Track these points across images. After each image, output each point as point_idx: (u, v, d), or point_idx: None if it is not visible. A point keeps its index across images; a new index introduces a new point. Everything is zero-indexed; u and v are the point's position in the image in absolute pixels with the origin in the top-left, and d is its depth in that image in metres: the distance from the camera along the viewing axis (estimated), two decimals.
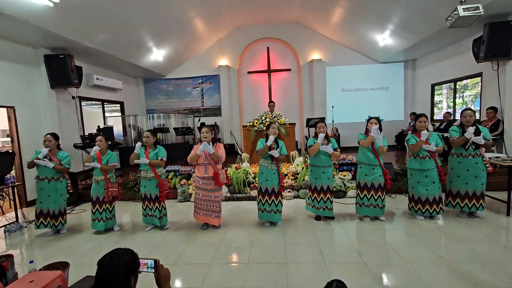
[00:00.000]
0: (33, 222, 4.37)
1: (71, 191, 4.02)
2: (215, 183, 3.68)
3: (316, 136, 3.87)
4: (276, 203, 3.75)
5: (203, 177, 3.72)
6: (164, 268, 1.43)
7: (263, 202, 3.77)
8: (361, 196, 3.81)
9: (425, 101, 8.67)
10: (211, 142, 3.72)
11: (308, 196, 4.00)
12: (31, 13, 4.21)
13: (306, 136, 8.55)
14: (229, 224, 3.96)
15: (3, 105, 5.03)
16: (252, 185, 5.43)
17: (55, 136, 3.84)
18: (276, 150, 3.65)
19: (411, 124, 8.40)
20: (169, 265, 2.79)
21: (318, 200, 3.86)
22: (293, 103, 9.85)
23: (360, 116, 9.28)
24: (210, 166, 3.68)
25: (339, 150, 3.84)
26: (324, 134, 3.72)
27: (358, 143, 3.80)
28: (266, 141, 3.72)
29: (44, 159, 3.67)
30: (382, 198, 3.75)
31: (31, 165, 3.72)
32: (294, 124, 6.59)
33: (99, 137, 3.89)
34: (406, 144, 3.85)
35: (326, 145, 3.74)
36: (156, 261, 1.38)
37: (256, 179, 5.59)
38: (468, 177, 3.66)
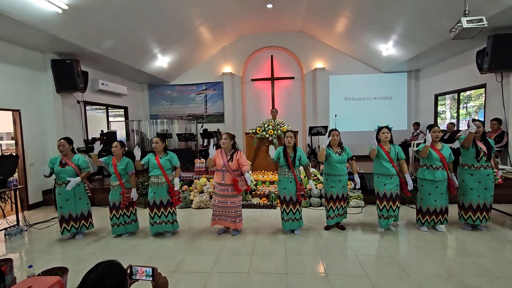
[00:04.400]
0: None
1: (89, 193, 3.99)
2: (233, 189, 3.66)
3: (330, 145, 3.84)
4: (294, 212, 3.72)
5: (220, 183, 3.72)
6: (162, 277, 1.41)
7: (287, 212, 3.73)
8: (386, 208, 3.67)
9: (429, 111, 8.65)
10: (231, 149, 3.74)
11: (328, 207, 3.84)
12: (40, 19, 4.30)
13: (308, 144, 8.53)
14: (230, 232, 3.92)
15: (9, 108, 5.09)
16: (254, 192, 5.40)
17: (69, 141, 3.84)
18: (293, 158, 3.66)
19: (414, 134, 8.38)
20: (168, 273, 2.77)
21: (334, 208, 3.81)
22: (296, 111, 9.86)
23: (363, 125, 9.32)
24: (227, 173, 3.67)
25: (354, 158, 3.81)
26: (329, 138, 3.71)
27: (370, 153, 3.74)
28: (284, 151, 3.72)
29: (70, 184, 3.62)
30: (399, 207, 3.71)
31: (48, 176, 3.76)
32: (296, 132, 6.54)
33: (115, 143, 3.89)
34: (416, 154, 3.81)
35: (340, 153, 3.75)
36: (154, 269, 1.36)
37: (258, 186, 5.59)
38: (480, 189, 3.61)
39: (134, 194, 3.80)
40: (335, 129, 3.85)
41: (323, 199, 3.99)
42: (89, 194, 3.99)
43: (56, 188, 3.82)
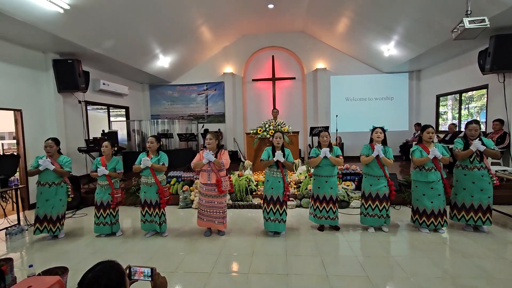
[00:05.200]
0: (32, 226, 4.40)
1: (72, 195, 3.96)
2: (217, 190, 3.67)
3: (319, 145, 3.86)
4: (281, 212, 3.69)
5: (206, 183, 3.72)
6: (161, 277, 1.41)
7: (268, 211, 3.72)
8: (366, 206, 3.77)
9: (430, 112, 8.62)
10: (215, 149, 3.73)
11: (311, 205, 3.94)
12: (42, 19, 4.31)
13: (309, 145, 8.52)
14: (230, 232, 3.92)
15: (10, 108, 5.10)
16: (254, 192, 5.40)
17: (56, 142, 3.84)
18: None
19: (416, 134, 8.35)
20: (168, 273, 2.77)
21: (321, 209, 3.80)
22: (297, 112, 9.86)
23: (364, 126, 9.25)
24: (213, 173, 3.68)
25: (341, 157, 3.79)
26: (329, 149, 3.70)
27: (360, 158, 3.76)
28: (272, 151, 3.71)
29: (46, 160, 3.63)
30: (387, 208, 3.71)
31: (32, 173, 3.69)
32: (297, 132, 6.58)
33: (105, 143, 3.88)
34: (410, 157, 3.79)
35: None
36: (153, 270, 1.36)
37: (259, 187, 5.58)
38: (474, 189, 3.59)
39: (101, 170, 3.75)
40: (325, 130, 3.87)
41: (310, 198, 4.00)
42: (71, 196, 3.94)
43: (38, 188, 3.76)
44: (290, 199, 5.05)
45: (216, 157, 3.67)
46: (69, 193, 3.91)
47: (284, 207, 3.71)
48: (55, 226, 3.81)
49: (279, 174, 3.69)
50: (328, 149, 3.70)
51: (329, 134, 3.83)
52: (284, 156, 3.66)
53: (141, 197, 3.84)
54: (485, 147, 3.47)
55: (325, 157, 3.70)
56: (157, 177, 3.75)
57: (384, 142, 3.74)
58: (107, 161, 3.86)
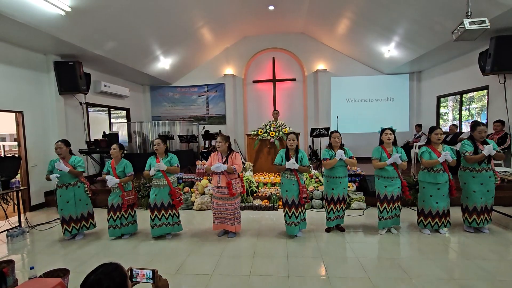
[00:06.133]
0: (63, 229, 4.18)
1: (90, 194, 3.98)
2: (228, 192, 3.66)
3: (330, 146, 3.86)
4: (297, 215, 3.66)
5: (217, 186, 3.71)
6: (162, 279, 1.42)
7: (290, 215, 3.66)
8: (387, 210, 3.68)
9: (431, 113, 8.62)
10: (226, 151, 3.72)
11: (329, 209, 3.84)
12: (43, 21, 4.33)
13: (310, 146, 8.52)
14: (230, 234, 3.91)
15: (12, 109, 5.12)
16: (255, 194, 5.40)
17: (66, 143, 3.85)
18: (295, 160, 3.58)
19: (417, 135, 8.35)
20: (169, 275, 2.77)
21: (334, 210, 3.80)
22: (297, 113, 9.86)
23: (365, 127, 9.30)
24: (223, 175, 3.67)
25: (354, 158, 3.82)
26: (343, 151, 3.70)
27: (372, 162, 3.75)
28: (286, 153, 3.68)
29: (61, 164, 3.67)
30: (400, 208, 3.75)
31: (49, 177, 3.75)
32: (298, 133, 6.55)
33: (113, 145, 3.87)
34: (419, 159, 3.73)
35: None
36: (154, 272, 1.37)
37: (259, 188, 5.59)
38: (483, 191, 3.59)
39: (111, 180, 3.71)
40: (336, 131, 3.86)
41: (325, 201, 3.99)
42: (89, 195, 3.99)
43: (57, 190, 3.83)
44: None
45: (227, 160, 3.64)
46: (87, 191, 3.95)
47: (300, 209, 3.68)
48: (81, 224, 3.91)
49: (293, 177, 3.65)
50: (342, 151, 3.69)
51: (340, 135, 3.82)
52: (297, 159, 3.63)
53: (151, 200, 3.74)
54: (495, 151, 3.48)
55: (340, 158, 3.70)
56: (169, 178, 3.74)
57: (394, 143, 3.73)
58: (116, 164, 3.86)
